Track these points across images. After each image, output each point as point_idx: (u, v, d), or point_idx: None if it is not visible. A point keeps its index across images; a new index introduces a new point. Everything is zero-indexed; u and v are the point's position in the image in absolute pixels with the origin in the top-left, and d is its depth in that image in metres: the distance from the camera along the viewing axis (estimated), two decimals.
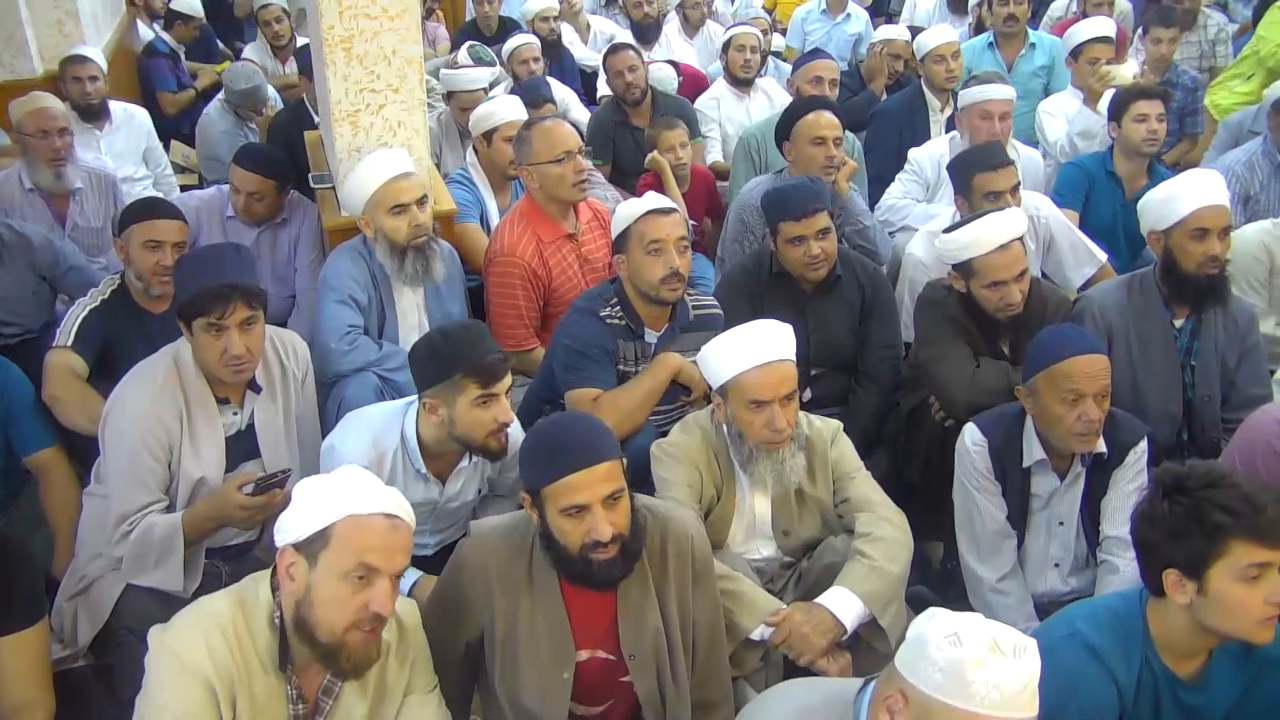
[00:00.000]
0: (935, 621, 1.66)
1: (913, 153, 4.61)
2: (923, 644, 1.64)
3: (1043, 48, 5.74)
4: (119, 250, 3.37)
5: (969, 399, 3.08)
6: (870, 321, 3.54)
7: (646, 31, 7.04)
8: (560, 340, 3.18)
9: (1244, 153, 4.39)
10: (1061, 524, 2.82)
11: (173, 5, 7.22)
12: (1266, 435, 2.69)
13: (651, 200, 3.16)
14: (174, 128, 6.52)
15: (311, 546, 1.90)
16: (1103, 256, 3.93)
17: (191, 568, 2.72)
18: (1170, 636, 2.09)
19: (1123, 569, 2.68)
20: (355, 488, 1.95)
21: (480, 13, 7.04)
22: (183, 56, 7.07)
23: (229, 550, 2.92)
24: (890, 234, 4.36)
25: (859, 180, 4.51)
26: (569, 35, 7.04)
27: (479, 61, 5.30)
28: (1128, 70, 4.83)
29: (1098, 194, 4.25)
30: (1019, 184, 3.69)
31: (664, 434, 2.87)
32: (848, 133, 4.36)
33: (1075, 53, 4.96)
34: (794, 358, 2.64)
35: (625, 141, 5.30)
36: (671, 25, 7.28)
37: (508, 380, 2.65)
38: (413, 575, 2.77)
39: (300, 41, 6.49)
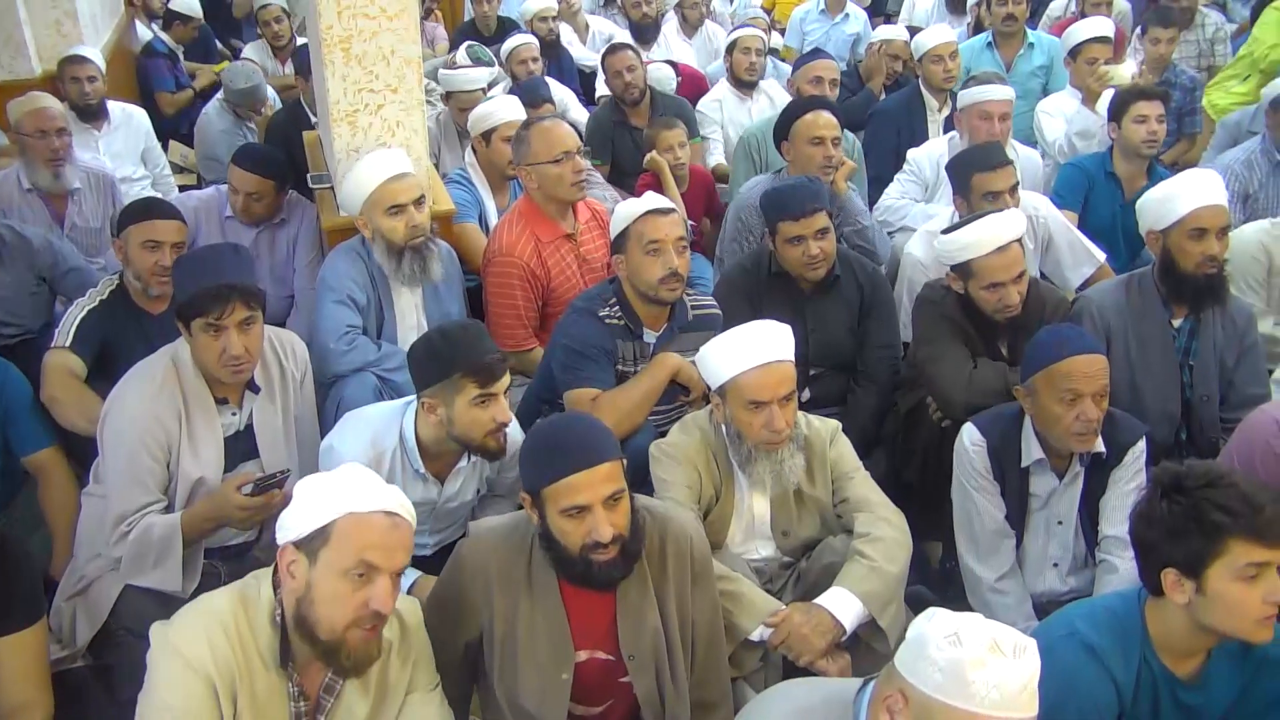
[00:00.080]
0: (935, 621, 1.66)
1: (911, 153, 4.61)
2: (923, 644, 1.64)
3: (1041, 47, 5.74)
4: (117, 250, 3.37)
5: (966, 399, 3.08)
6: (869, 321, 3.54)
7: (645, 31, 7.04)
8: (559, 340, 3.18)
9: (1243, 151, 4.39)
10: (1060, 524, 2.82)
11: (171, 5, 7.22)
12: (1265, 435, 2.69)
13: (650, 200, 3.16)
14: (172, 128, 6.52)
15: (312, 544, 1.90)
16: (1101, 256, 3.93)
17: (190, 568, 2.71)
18: (1169, 636, 2.09)
19: (1121, 569, 2.68)
20: (356, 485, 1.95)
21: (479, 13, 7.04)
22: (181, 57, 7.07)
23: (228, 550, 2.92)
24: (889, 234, 4.36)
25: (858, 180, 4.51)
26: (567, 35, 7.04)
27: (477, 61, 5.30)
28: (1126, 70, 4.84)
29: (1097, 195, 4.25)
30: (1017, 184, 3.69)
31: (663, 434, 2.87)
32: (847, 132, 4.36)
33: (1073, 53, 4.96)
34: (793, 358, 2.64)
35: (624, 141, 5.30)
36: (670, 25, 7.27)
37: (506, 380, 2.65)
38: (411, 575, 2.77)
39: (300, 42, 6.48)
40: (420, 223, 3.40)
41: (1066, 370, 2.61)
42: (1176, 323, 3.23)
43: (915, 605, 2.60)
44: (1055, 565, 2.86)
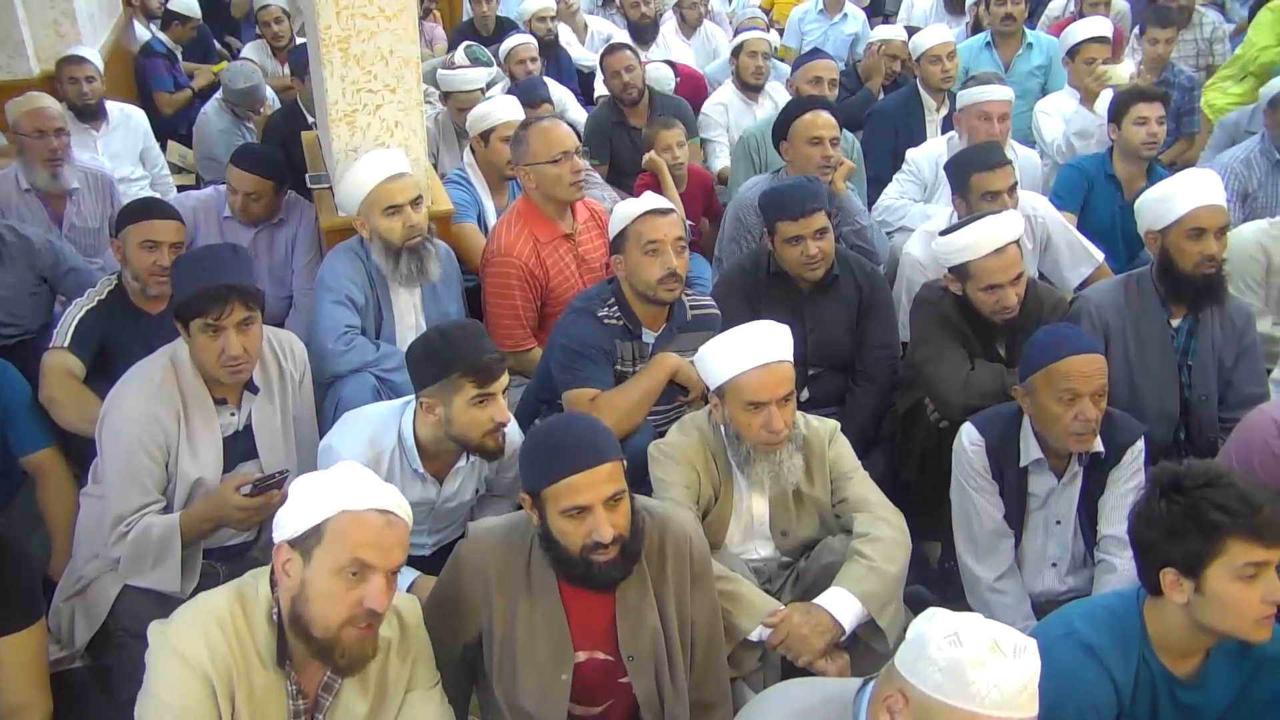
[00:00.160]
0: (935, 621, 1.66)
1: (910, 153, 4.61)
2: (923, 644, 1.64)
3: (1040, 47, 5.74)
4: (116, 251, 3.37)
5: (964, 401, 3.08)
6: (867, 321, 3.54)
7: (644, 31, 7.04)
8: (558, 340, 3.17)
9: (1242, 150, 4.40)
10: (1059, 523, 2.82)
11: (170, 5, 7.22)
12: (1263, 435, 2.69)
13: (649, 200, 3.15)
14: (171, 128, 6.53)
15: (306, 542, 1.90)
16: (1100, 256, 3.94)
17: (189, 568, 2.71)
18: (1168, 635, 2.09)
19: (1120, 568, 2.68)
20: (350, 483, 1.95)
21: (477, 13, 7.03)
22: (179, 57, 7.07)
23: (226, 551, 2.91)
24: (888, 234, 4.36)
25: (856, 180, 4.51)
26: (566, 35, 7.04)
27: (476, 62, 5.29)
28: (1124, 70, 4.84)
29: (1096, 196, 4.25)
30: (1016, 184, 3.69)
31: (661, 434, 2.87)
32: (845, 132, 4.36)
33: (1072, 52, 4.96)
34: (791, 359, 2.64)
35: (622, 141, 5.30)
36: (669, 25, 7.28)
37: (505, 380, 2.65)
38: (410, 575, 2.77)
39: (300, 42, 6.48)
40: (418, 223, 3.40)
41: (1065, 370, 2.62)
42: (1175, 322, 3.23)
43: (914, 605, 2.61)
44: (1054, 565, 2.86)
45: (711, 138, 5.52)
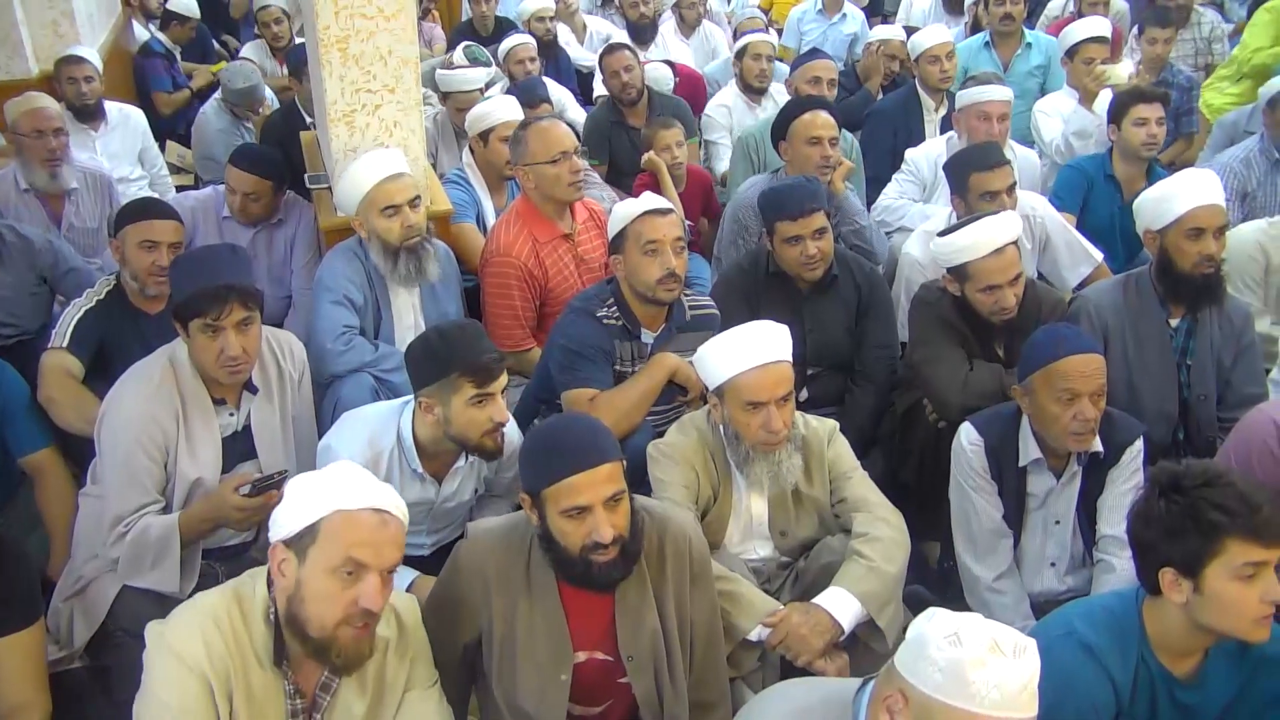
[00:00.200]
0: (935, 621, 1.66)
1: (909, 153, 4.61)
2: (923, 644, 1.64)
3: (1039, 47, 5.74)
4: (114, 251, 3.37)
5: (962, 402, 3.08)
6: (866, 321, 3.54)
7: (643, 31, 7.03)
8: (557, 340, 3.17)
9: (1241, 150, 4.40)
10: (1058, 523, 2.82)
11: (168, 6, 7.22)
12: (1262, 434, 2.69)
13: (648, 201, 3.15)
14: (169, 128, 6.53)
15: (301, 542, 1.90)
16: (1099, 256, 3.94)
17: (188, 569, 2.71)
18: (1166, 635, 2.09)
19: (1119, 568, 2.68)
20: (344, 483, 1.95)
21: (476, 13, 7.03)
22: (178, 57, 7.06)
23: (225, 551, 2.91)
24: (887, 234, 4.36)
25: (855, 180, 4.51)
26: (565, 35, 7.04)
27: (475, 62, 5.29)
28: (1123, 70, 4.83)
29: (1096, 196, 4.24)
30: (1015, 184, 3.69)
31: (660, 434, 2.87)
32: (844, 132, 4.36)
33: (1070, 52, 4.95)
34: (790, 359, 2.64)
35: (621, 141, 5.30)
36: (668, 25, 7.28)
37: (504, 380, 2.65)
38: (409, 575, 2.77)
39: (299, 42, 6.48)
40: (416, 223, 3.40)
41: (1064, 370, 2.62)
42: (1174, 322, 3.23)
43: (913, 605, 2.61)
44: (1053, 565, 2.86)
45: (714, 140, 5.51)
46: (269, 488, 2.62)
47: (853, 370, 3.56)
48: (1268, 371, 3.36)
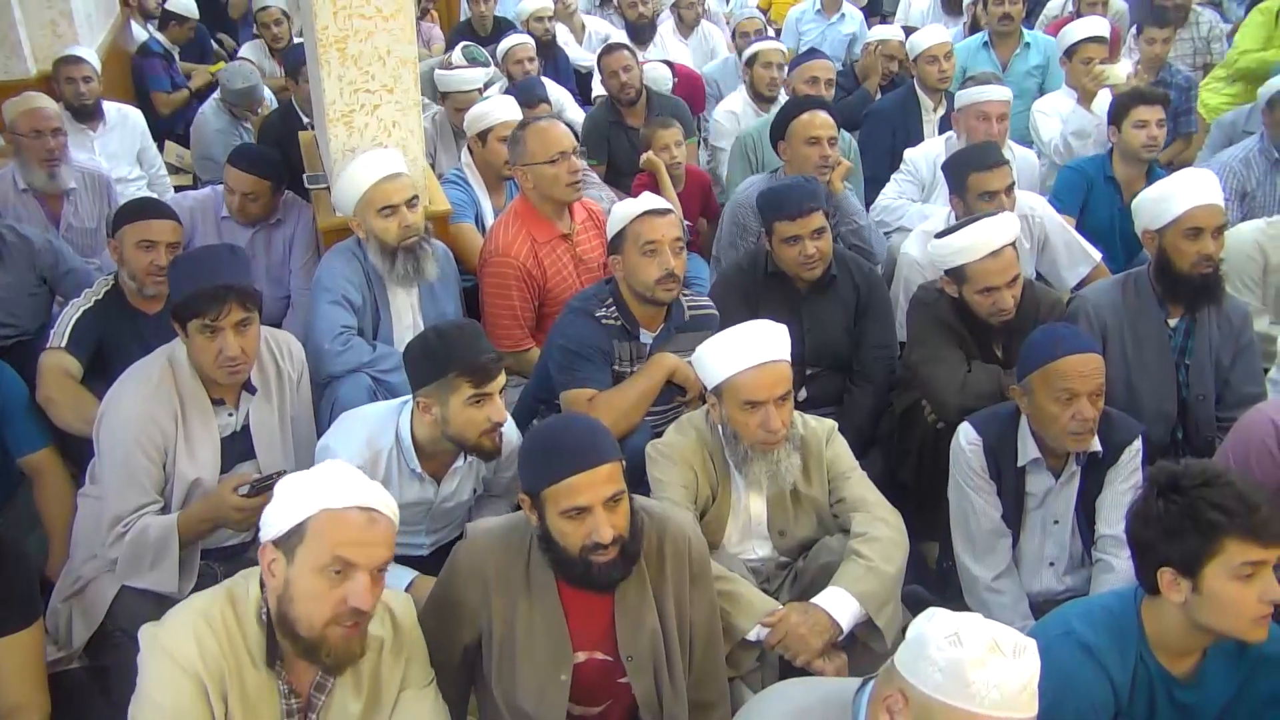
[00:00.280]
0: (935, 621, 1.66)
1: (908, 153, 4.61)
2: (923, 644, 1.64)
3: (1037, 47, 5.74)
4: (112, 251, 3.37)
5: (960, 403, 3.08)
6: (865, 321, 3.54)
7: (641, 31, 7.03)
8: (555, 340, 3.17)
9: (1241, 150, 4.40)
10: (1056, 523, 2.82)
11: (167, 6, 7.22)
12: (1260, 434, 2.69)
13: (647, 201, 3.15)
14: (168, 128, 6.53)
15: (289, 542, 1.90)
16: (1097, 256, 3.94)
17: (186, 569, 2.71)
18: (1165, 635, 2.09)
19: (1118, 568, 2.68)
20: (331, 482, 1.94)
21: (475, 13, 7.03)
22: (177, 57, 7.06)
23: (224, 551, 2.91)
24: (886, 234, 4.36)
25: (854, 180, 4.51)
26: (564, 35, 7.03)
27: (473, 62, 5.29)
28: (1121, 70, 4.83)
29: (1096, 198, 4.24)
30: (1013, 184, 3.69)
31: (659, 434, 2.87)
32: (842, 132, 4.36)
33: (1069, 52, 4.96)
34: (789, 358, 2.64)
35: (620, 141, 5.29)
36: (666, 25, 7.28)
37: (501, 380, 2.64)
38: (408, 575, 2.77)
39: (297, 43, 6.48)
40: (413, 223, 3.40)
41: (1062, 369, 2.62)
42: (1172, 322, 3.23)
43: (913, 605, 2.61)
44: (1051, 565, 2.86)
45: (722, 146, 5.48)
46: (268, 488, 2.61)
47: (851, 370, 3.56)
48: (1266, 371, 3.35)
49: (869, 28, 7.00)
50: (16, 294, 3.79)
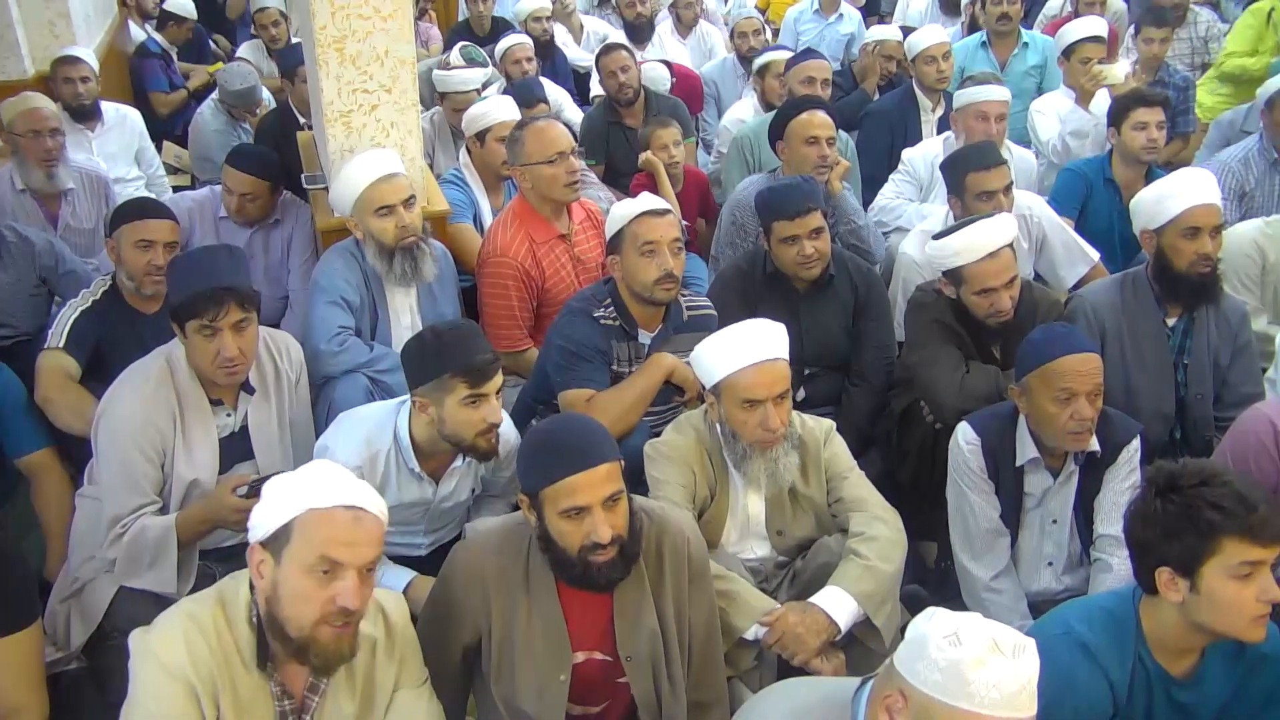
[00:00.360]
0: (935, 621, 1.66)
1: (906, 153, 4.61)
2: (922, 644, 1.64)
3: (1035, 47, 5.75)
4: (110, 251, 3.37)
5: (959, 404, 3.08)
6: (863, 321, 3.54)
7: (639, 31, 7.03)
8: (554, 341, 3.17)
9: (1240, 149, 4.40)
10: (1055, 522, 2.82)
11: (165, 6, 7.22)
12: (1259, 434, 2.69)
13: (646, 201, 3.15)
14: (166, 128, 6.52)
15: (276, 543, 1.89)
16: (1095, 255, 3.93)
17: (185, 570, 2.71)
18: (1163, 634, 2.09)
19: (1116, 567, 2.68)
20: (317, 482, 1.93)
21: (473, 13, 7.02)
22: (175, 57, 7.05)
23: (223, 552, 2.91)
24: (884, 234, 4.36)
25: (852, 180, 4.51)
26: (562, 35, 7.03)
27: (471, 62, 5.29)
28: (1119, 70, 4.83)
29: (1095, 200, 4.24)
30: (1012, 183, 3.69)
31: (658, 435, 2.87)
32: (841, 132, 4.37)
33: (1067, 52, 4.96)
34: (787, 357, 2.64)
35: (618, 141, 5.29)
36: (664, 25, 7.28)
37: (498, 381, 2.64)
38: (406, 576, 2.77)
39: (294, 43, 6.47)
40: (410, 223, 3.39)
41: (1060, 369, 2.62)
42: (1170, 321, 3.23)
43: (911, 605, 2.61)
44: (1050, 564, 2.86)
45: (728, 150, 5.48)
46: None
47: (849, 370, 3.57)
48: (1264, 370, 3.36)
49: (867, 28, 6.99)
50: (17, 294, 3.79)
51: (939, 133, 4.85)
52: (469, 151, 4.37)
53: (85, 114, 5.10)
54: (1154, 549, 2.03)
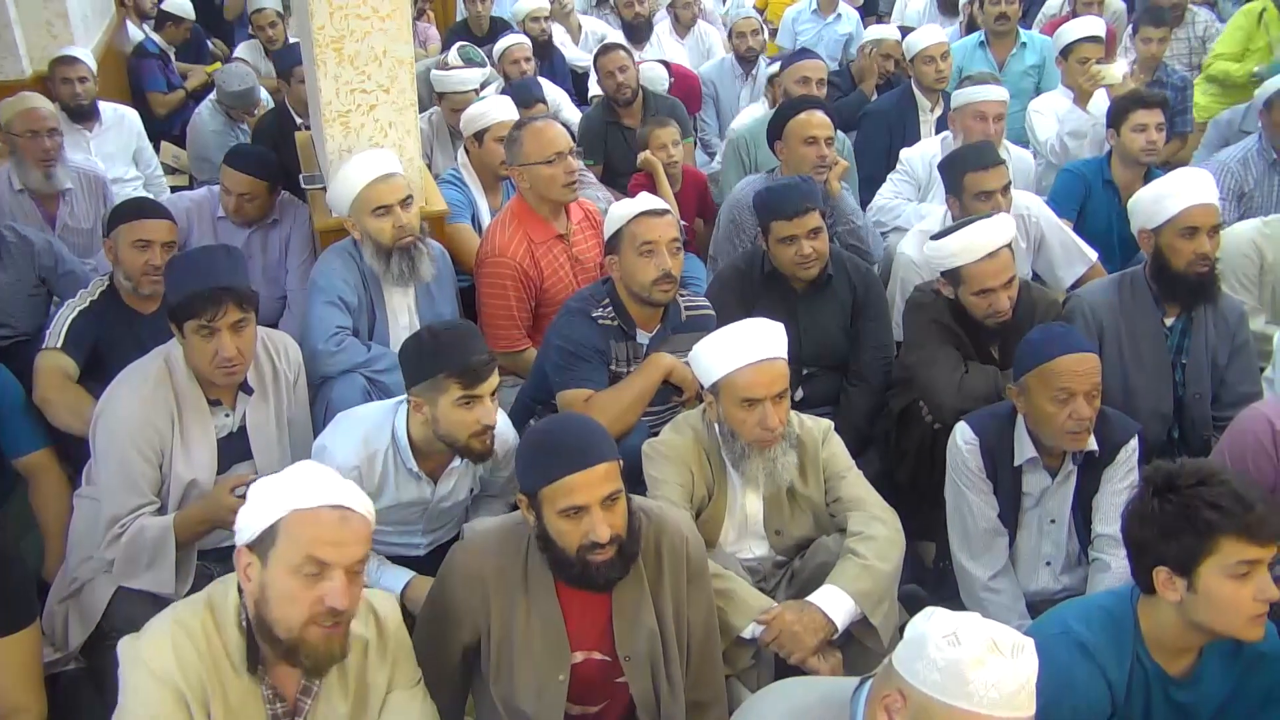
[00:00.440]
0: (934, 621, 1.66)
1: (904, 153, 4.61)
2: (921, 643, 1.64)
3: (1034, 47, 5.75)
4: (108, 250, 3.37)
5: (957, 404, 3.08)
6: (862, 321, 3.54)
7: (638, 31, 7.03)
8: (552, 341, 3.17)
9: (1239, 149, 4.40)
10: (1053, 522, 2.83)
11: (163, 6, 7.21)
12: (1257, 433, 2.70)
13: (644, 201, 3.15)
14: (164, 129, 6.51)
15: (263, 544, 1.89)
16: (1093, 255, 3.94)
17: (183, 570, 2.71)
18: (1161, 634, 2.10)
19: (1114, 567, 2.69)
20: (301, 483, 1.93)
21: (472, 13, 7.02)
22: (173, 57, 7.05)
23: (221, 552, 2.90)
24: (882, 234, 4.36)
25: (850, 180, 4.51)
26: (560, 35, 7.03)
27: (469, 62, 5.29)
28: (1117, 70, 4.84)
29: (1094, 201, 4.24)
30: (1010, 183, 3.69)
31: (656, 434, 2.86)
32: (839, 132, 4.37)
33: (1065, 52, 4.96)
34: (785, 356, 2.64)
35: (617, 141, 5.29)
36: (663, 25, 7.28)
37: (493, 382, 2.63)
38: (405, 576, 2.77)
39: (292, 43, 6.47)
40: (407, 223, 3.39)
41: (1058, 369, 2.62)
42: (1169, 321, 3.24)
43: (909, 604, 2.61)
44: (1048, 564, 2.86)
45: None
46: None
47: (848, 370, 3.57)
48: (1262, 370, 3.36)
49: (865, 28, 7.00)
50: (16, 294, 3.78)
51: (937, 133, 4.85)
52: (467, 151, 4.37)
53: (83, 114, 5.10)
54: (1152, 548, 2.03)
